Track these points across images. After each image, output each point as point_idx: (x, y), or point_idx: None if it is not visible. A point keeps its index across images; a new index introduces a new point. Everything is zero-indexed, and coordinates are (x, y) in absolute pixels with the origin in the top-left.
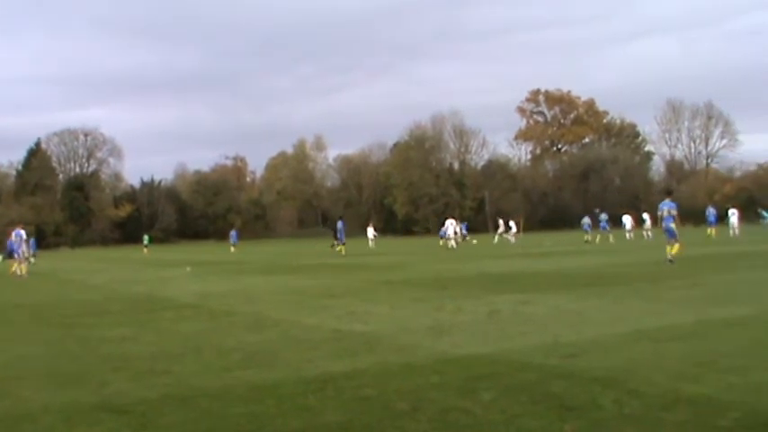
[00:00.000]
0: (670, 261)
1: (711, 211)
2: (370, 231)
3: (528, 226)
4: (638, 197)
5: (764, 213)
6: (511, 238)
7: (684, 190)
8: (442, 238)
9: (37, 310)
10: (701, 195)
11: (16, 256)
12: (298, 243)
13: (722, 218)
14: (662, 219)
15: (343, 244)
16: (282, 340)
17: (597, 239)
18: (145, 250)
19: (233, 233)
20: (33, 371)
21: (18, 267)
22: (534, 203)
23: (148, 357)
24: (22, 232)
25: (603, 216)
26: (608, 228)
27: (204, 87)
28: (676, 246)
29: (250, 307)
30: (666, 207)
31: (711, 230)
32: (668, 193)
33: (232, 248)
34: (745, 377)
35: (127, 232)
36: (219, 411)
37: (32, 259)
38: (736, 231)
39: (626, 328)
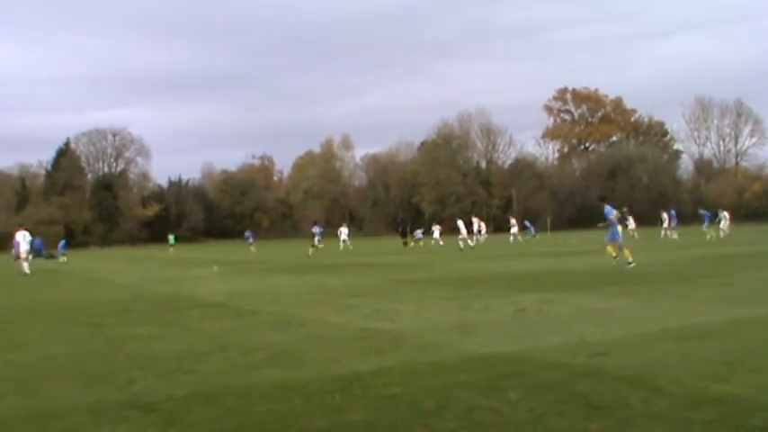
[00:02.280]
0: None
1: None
2: (344, 232)
3: (555, 225)
4: (666, 196)
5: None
6: (519, 237)
7: (714, 188)
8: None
9: (65, 309)
10: (731, 193)
11: (19, 256)
12: (324, 242)
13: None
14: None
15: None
16: (308, 339)
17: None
18: (171, 250)
19: (248, 233)
20: (62, 369)
21: (21, 265)
22: (561, 202)
23: (175, 356)
24: (26, 233)
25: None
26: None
27: (230, 86)
28: (625, 250)
29: (276, 306)
30: (615, 212)
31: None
32: (603, 199)
33: (252, 248)
34: None
35: (154, 231)
36: (245, 409)
37: (63, 258)
38: (726, 231)
39: (653, 326)
